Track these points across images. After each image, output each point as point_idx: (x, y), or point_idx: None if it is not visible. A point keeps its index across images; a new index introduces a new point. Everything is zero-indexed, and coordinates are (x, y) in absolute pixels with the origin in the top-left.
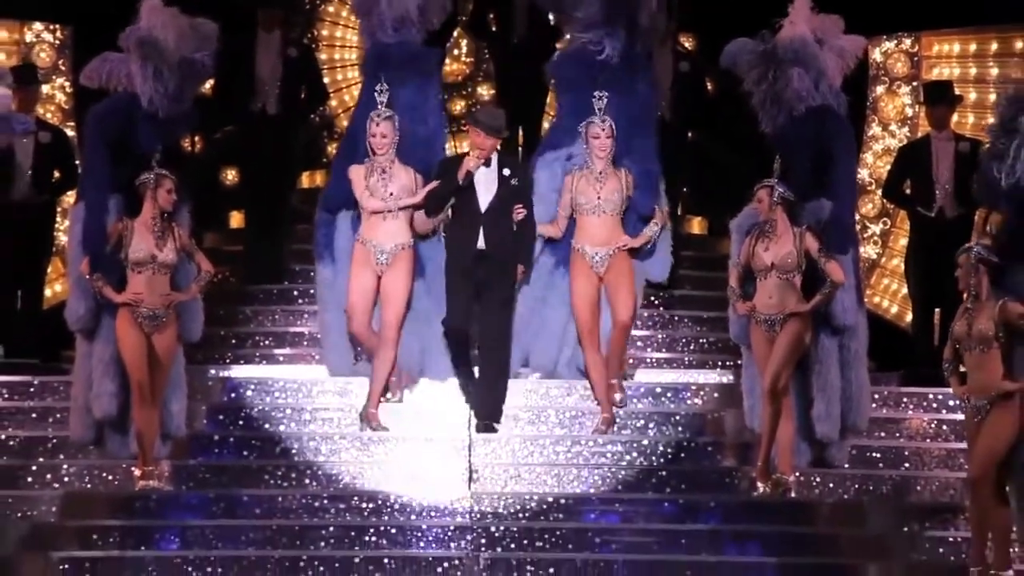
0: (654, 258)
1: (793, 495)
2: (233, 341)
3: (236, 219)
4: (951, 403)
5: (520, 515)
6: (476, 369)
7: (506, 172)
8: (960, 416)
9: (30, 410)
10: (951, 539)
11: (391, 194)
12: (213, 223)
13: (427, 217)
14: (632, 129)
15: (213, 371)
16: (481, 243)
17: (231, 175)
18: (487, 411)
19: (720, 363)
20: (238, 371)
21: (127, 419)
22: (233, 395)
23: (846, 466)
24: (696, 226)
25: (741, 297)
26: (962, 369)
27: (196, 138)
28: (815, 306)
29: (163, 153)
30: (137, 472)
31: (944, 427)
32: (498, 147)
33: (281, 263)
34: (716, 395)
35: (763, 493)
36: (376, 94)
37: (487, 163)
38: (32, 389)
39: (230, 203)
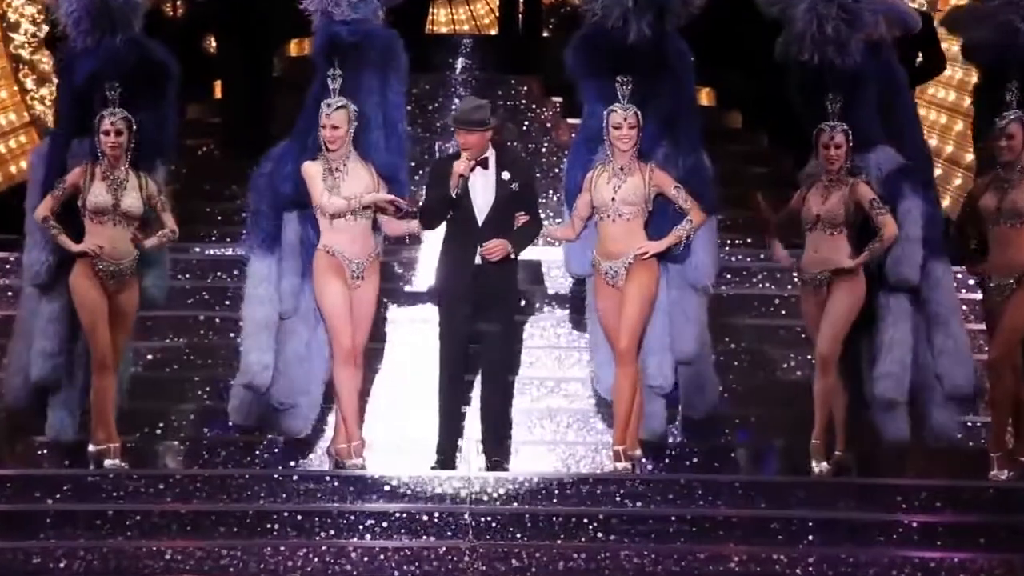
0: (696, 264)
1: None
2: (219, 217)
3: (220, 89)
4: None
5: None
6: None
7: (505, 176)
8: None
9: None
10: (970, 424)
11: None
12: (197, 93)
13: (423, 229)
14: (672, 117)
15: (198, 248)
16: (479, 259)
17: (214, 42)
18: (492, 446)
19: (730, 242)
20: (224, 249)
21: (73, 395)
22: (219, 273)
23: None
24: (704, 97)
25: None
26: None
27: (178, 1)
28: (861, 262)
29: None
30: (92, 447)
31: None
32: (492, 144)
33: (265, 136)
34: None
35: (823, 472)
36: (329, 80)
37: (483, 164)
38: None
39: (214, 72)
